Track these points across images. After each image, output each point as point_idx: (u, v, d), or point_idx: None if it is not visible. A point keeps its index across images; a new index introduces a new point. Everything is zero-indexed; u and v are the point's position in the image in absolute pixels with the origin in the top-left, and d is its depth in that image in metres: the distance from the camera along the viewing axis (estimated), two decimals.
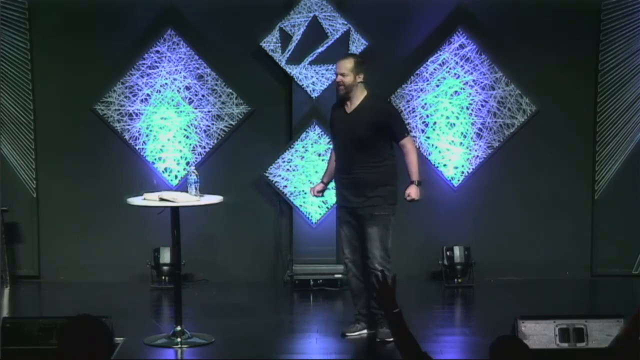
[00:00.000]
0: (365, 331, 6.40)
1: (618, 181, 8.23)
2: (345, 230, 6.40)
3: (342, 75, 6.23)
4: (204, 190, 6.35)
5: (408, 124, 7.69)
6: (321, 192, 6.68)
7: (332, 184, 6.68)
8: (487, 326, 6.65)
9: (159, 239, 7.54)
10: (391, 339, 5.98)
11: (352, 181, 6.26)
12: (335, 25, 7.93)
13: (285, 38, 7.93)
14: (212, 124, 8.10)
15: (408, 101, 8.04)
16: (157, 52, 8.02)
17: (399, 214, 6.45)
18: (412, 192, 6.28)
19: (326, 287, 7.85)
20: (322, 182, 6.68)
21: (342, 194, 6.37)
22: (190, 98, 8.08)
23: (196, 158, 8.07)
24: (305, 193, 8.00)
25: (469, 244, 8.01)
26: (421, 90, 8.10)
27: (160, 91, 8.05)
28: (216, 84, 8.06)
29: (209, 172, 7.62)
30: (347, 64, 6.25)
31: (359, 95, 6.27)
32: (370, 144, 6.21)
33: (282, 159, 8.02)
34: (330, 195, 7.85)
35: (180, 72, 8.05)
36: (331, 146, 7.87)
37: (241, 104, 8.09)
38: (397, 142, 6.29)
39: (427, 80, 8.10)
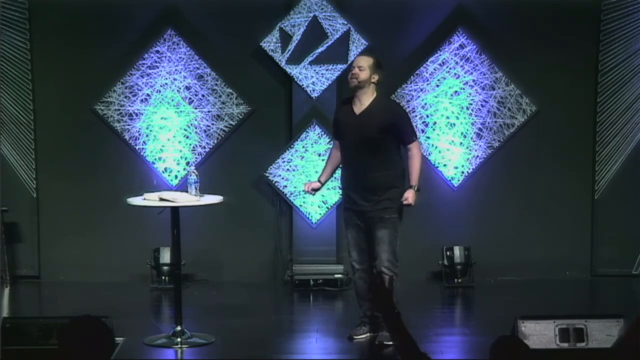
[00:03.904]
0: (370, 334, 6.34)
1: (618, 181, 8.23)
2: (353, 234, 6.27)
3: (359, 68, 6.10)
4: (204, 190, 6.35)
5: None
6: (315, 191, 6.50)
7: (328, 184, 6.66)
8: (487, 326, 6.64)
9: (159, 239, 7.53)
10: (390, 343, 5.97)
11: (362, 183, 6.13)
12: (335, 25, 7.93)
13: (285, 38, 7.94)
14: (212, 124, 8.10)
15: (408, 101, 8.04)
16: (157, 52, 8.02)
17: None
18: (410, 196, 6.12)
19: (326, 287, 7.84)
20: (318, 180, 6.49)
21: (351, 197, 6.23)
22: (190, 98, 8.08)
23: (196, 158, 8.07)
24: (306, 193, 7.99)
25: (469, 244, 8.01)
26: (421, 90, 8.10)
27: (160, 91, 8.06)
28: (216, 84, 8.06)
29: (209, 172, 7.63)
30: (367, 60, 6.15)
31: (370, 96, 6.15)
32: (381, 145, 6.09)
33: (282, 159, 8.02)
34: (330, 195, 7.88)
35: (180, 72, 8.05)
36: (331, 146, 7.91)
37: (241, 104, 8.09)
38: (404, 145, 6.17)
39: (427, 80, 8.10)
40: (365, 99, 6.17)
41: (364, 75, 6.11)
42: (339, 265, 7.89)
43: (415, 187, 6.15)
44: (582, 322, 5.67)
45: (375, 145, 6.10)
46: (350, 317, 6.62)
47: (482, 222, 8.22)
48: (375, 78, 6.16)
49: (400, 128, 6.14)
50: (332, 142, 7.85)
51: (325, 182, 6.52)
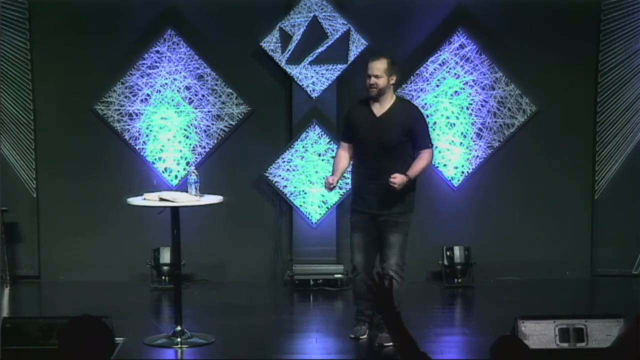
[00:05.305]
0: (369, 331, 6.33)
1: (618, 181, 8.23)
2: (360, 237, 6.21)
3: (376, 77, 6.04)
4: (204, 190, 6.35)
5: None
6: (334, 186, 6.23)
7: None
8: (487, 326, 6.65)
9: (159, 239, 7.53)
10: (389, 344, 5.95)
11: (380, 187, 6.04)
12: (335, 25, 7.93)
13: (285, 38, 7.93)
14: (212, 124, 8.10)
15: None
16: (157, 52, 8.02)
17: None
18: (400, 179, 5.92)
19: (326, 287, 7.84)
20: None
21: (366, 200, 6.14)
22: (190, 98, 8.08)
23: (196, 158, 8.07)
24: (306, 193, 8.00)
25: (469, 244, 8.01)
26: (421, 90, 8.10)
27: (160, 91, 8.06)
28: (216, 84, 8.06)
29: (209, 172, 7.63)
30: (380, 65, 6.06)
31: (389, 99, 6.12)
32: (400, 148, 6.06)
33: (282, 159, 8.02)
34: (330, 195, 7.87)
35: (180, 72, 8.05)
36: (333, 145, 7.90)
37: (241, 104, 8.09)
38: (418, 149, 6.11)
39: (427, 80, 8.10)
40: (386, 102, 6.12)
41: (382, 82, 6.06)
42: (339, 265, 7.89)
43: (408, 177, 6.00)
44: (582, 322, 5.67)
45: (395, 147, 6.06)
46: (351, 317, 6.62)
47: (482, 222, 8.22)
48: (394, 78, 6.12)
49: (418, 133, 6.11)
50: (333, 142, 7.88)
51: (339, 179, 6.35)
